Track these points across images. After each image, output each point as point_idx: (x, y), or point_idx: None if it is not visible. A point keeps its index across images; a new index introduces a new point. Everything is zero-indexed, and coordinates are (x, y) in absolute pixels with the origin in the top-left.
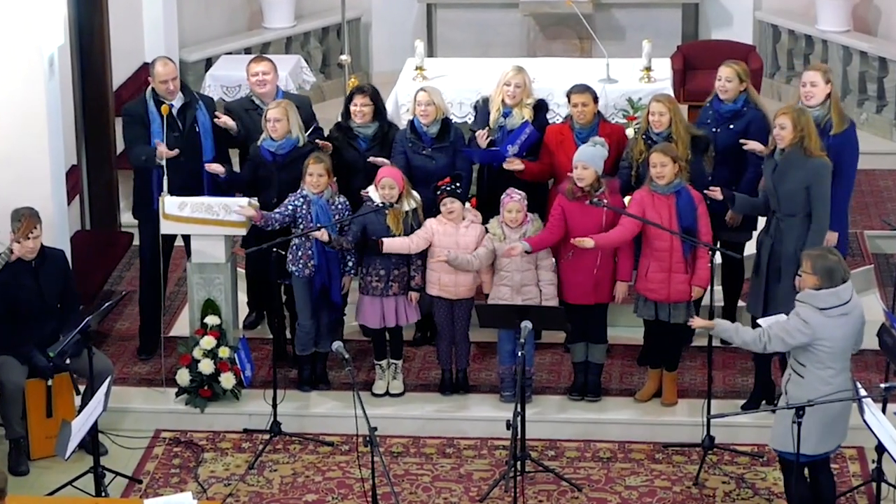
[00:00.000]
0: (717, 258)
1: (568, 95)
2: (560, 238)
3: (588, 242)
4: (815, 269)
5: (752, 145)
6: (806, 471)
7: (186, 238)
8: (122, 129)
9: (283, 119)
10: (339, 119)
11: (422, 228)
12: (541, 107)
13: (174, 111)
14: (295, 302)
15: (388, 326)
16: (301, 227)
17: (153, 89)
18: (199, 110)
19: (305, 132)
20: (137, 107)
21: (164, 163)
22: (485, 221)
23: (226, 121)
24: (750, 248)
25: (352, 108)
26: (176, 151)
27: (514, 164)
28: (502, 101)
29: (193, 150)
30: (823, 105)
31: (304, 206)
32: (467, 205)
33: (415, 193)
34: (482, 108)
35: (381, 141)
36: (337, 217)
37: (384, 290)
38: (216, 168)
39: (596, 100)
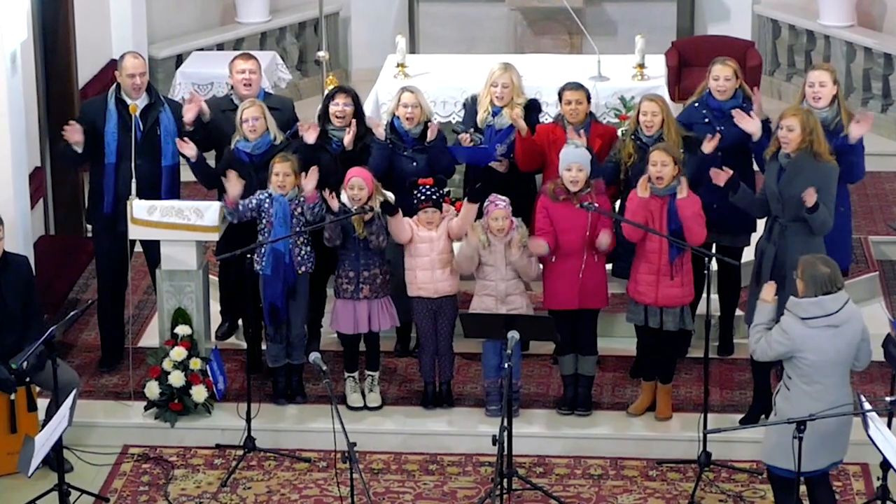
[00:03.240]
0: (714, 265)
1: (560, 93)
2: (553, 240)
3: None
4: (803, 275)
5: (748, 123)
6: (804, 488)
7: (146, 245)
8: None
9: (261, 118)
10: (316, 120)
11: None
12: (532, 107)
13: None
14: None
15: (362, 332)
16: (265, 222)
17: (118, 86)
18: (162, 112)
19: (286, 133)
20: (92, 105)
21: (79, 149)
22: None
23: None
24: (747, 255)
25: (333, 107)
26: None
27: (502, 166)
28: (490, 101)
29: (152, 153)
30: (832, 107)
31: (268, 201)
32: (451, 209)
33: (388, 194)
34: (470, 107)
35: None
36: (300, 210)
37: (355, 292)
38: (188, 149)
39: (589, 99)
